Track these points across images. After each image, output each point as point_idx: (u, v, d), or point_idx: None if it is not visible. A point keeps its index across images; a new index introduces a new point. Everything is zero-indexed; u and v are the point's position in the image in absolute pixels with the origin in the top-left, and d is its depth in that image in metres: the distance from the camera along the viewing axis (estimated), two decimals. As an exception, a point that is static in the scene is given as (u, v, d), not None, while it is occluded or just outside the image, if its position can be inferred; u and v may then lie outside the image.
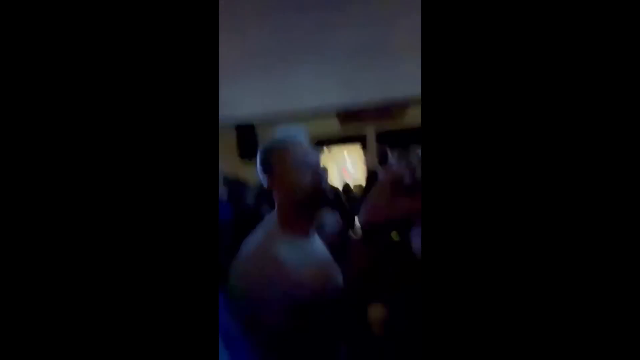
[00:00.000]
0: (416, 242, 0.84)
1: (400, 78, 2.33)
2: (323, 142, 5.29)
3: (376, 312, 1.00)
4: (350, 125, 5.19)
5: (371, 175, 3.26)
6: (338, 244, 1.12)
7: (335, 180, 5.04)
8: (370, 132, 5.26)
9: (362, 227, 0.78)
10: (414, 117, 4.78)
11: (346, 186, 3.96)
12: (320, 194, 0.91)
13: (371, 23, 2.09)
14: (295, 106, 2.67)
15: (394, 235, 0.88)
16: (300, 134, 1.00)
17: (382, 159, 3.12)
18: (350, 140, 5.49)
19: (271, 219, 0.95)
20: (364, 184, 3.41)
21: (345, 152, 6.09)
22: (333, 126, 5.13)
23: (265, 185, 0.95)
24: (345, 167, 6.42)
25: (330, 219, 1.39)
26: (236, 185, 2.91)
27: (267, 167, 0.93)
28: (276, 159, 0.92)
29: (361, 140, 5.40)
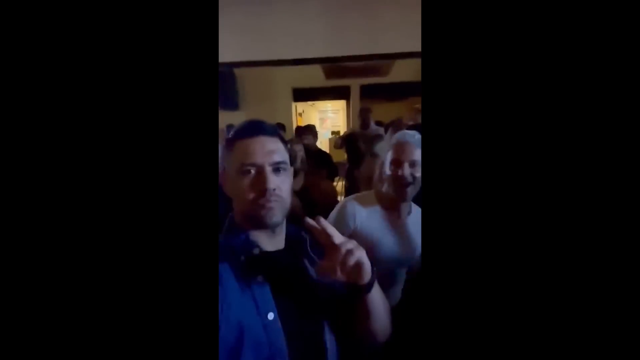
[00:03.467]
0: None
1: (386, 33, 2.31)
2: (307, 91, 5.20)
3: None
4: (334, 79, 5.08)
5: (349, 136, 3.29)
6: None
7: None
8: (354, 85, 5.18)
9: None
10: (399, 72, 4.71)
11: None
12: None
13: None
14: (279, 54, 2.61)
15: None
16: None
17: (364, 124, 3.16)
18: (334, 92, 5.40)
19: None
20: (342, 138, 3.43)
21: (329, 105, 6.03)
22: (318, 77, 5.00)
23: None
24: (327, 117, 6.38)
25: None
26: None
27: None
28: None
29: (345, 93, 5.32)
